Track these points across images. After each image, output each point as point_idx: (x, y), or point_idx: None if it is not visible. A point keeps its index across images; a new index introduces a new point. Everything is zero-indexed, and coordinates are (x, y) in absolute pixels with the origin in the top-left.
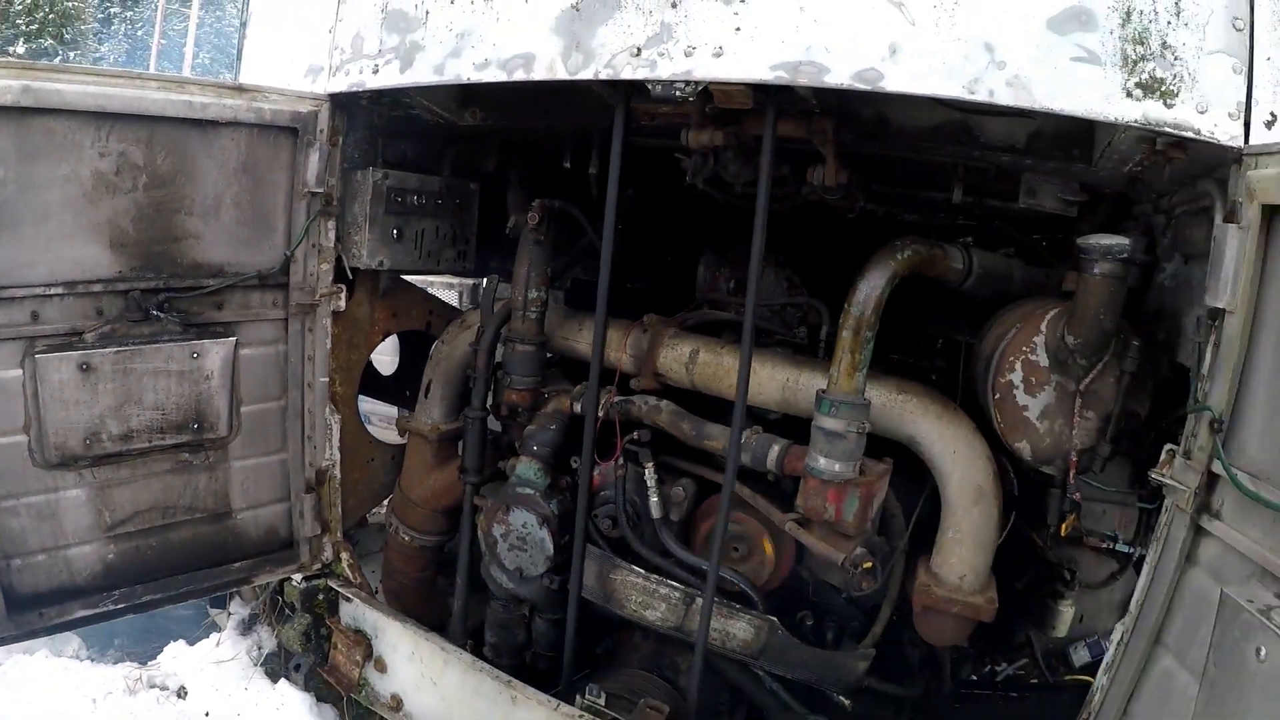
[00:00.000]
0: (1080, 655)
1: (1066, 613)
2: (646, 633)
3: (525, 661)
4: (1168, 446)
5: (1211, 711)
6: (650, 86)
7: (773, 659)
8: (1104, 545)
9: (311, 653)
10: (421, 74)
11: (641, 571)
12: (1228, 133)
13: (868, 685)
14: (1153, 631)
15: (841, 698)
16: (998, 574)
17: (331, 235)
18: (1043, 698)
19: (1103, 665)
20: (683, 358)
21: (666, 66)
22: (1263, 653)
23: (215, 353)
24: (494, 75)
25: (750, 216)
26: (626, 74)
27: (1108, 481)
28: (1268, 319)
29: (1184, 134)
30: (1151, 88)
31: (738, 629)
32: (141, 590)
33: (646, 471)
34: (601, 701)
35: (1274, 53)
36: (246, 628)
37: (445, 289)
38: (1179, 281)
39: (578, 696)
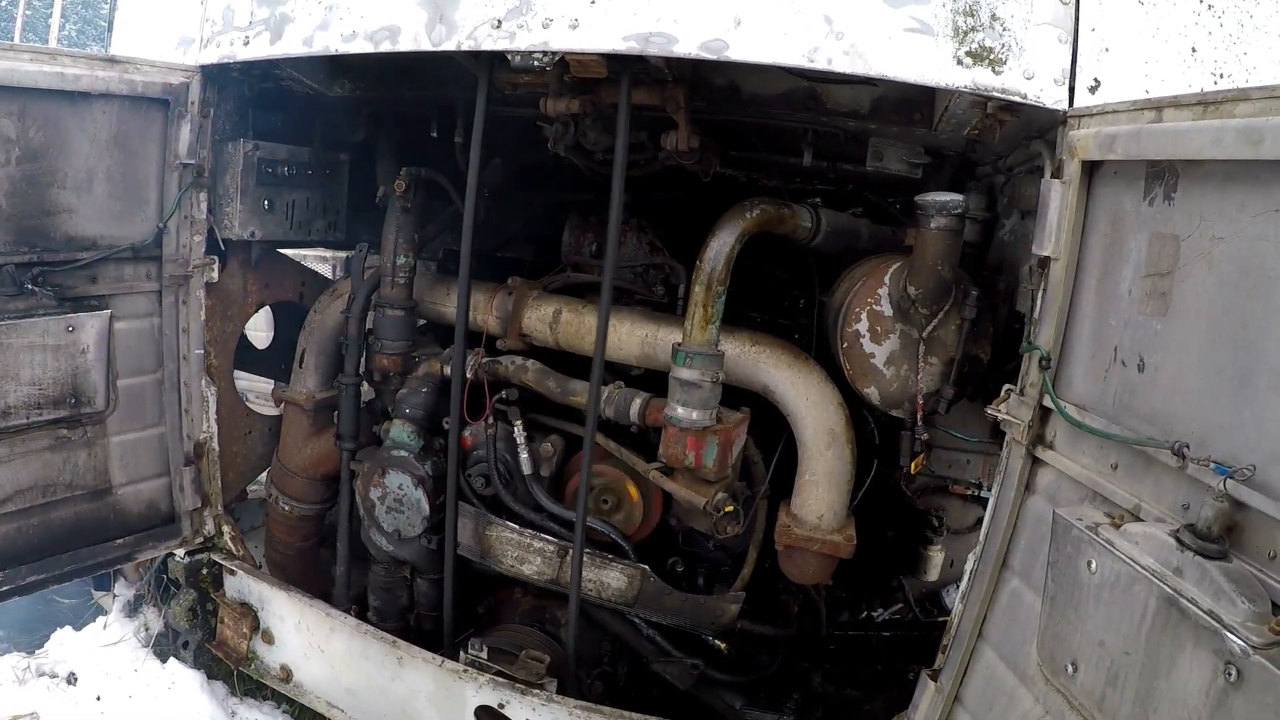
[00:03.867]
0: (953, 598)
1: (937, 558)
2: (526, 589)
3: (410, 624)
4: (1006, 386)
5: (1054, 622)
6: (510, 57)
7: (647, 606)
8: (969, 492)
9: (199, 629)
10: (291, 46)
11: (515, 527)
12: (1053, 97)
13: (741, 627)
14: (999, 557)
15: (717, 641)
16: (870, 525)
17: (203, 207)
18: (913, 636)
19: (958, 594)
20: (546, 318)
21: (525, 38)
22: (1093, 565)
23: (90, 326)
24: (361, 46)
25: (611, 183)
26: (488, 45)
27: (971, 433)
28: (1088, 265)
29: (1011, 98)
30: (981, 56)
31: (611, 578)
32: (26, 571)
33: (516, 429)
34: (484, 655)
35: (1098, 24)
36: (132, 609)
37: (319, 262)
38: (1017, 236)
39: (461, 653)
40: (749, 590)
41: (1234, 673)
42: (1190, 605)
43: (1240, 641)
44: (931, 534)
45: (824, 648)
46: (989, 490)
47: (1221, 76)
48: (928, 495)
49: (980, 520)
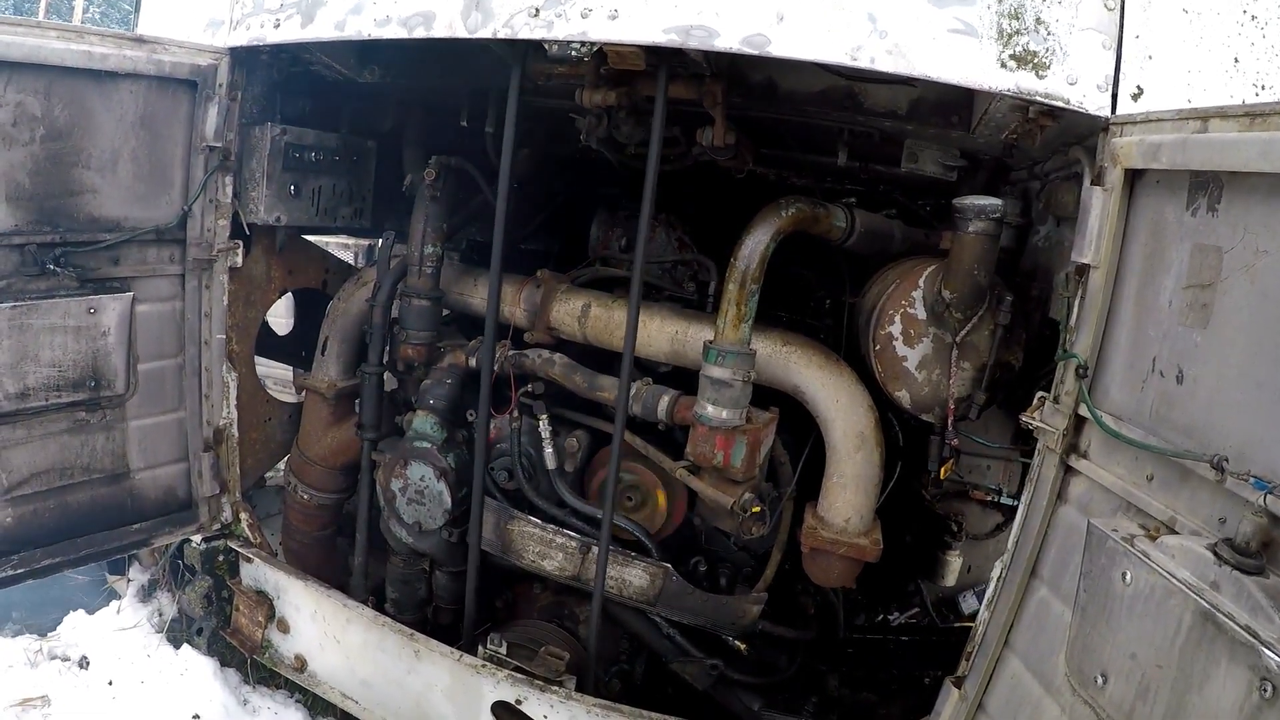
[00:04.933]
0: (969, 603)
1: (955, 563)
2: (546, 583)
3: (428, 616)
4: (1039, 393)
5: (1085, 634)
6: (547, 46)
7: (668, 605)
8: (989, 498)
9: (213, 616)
10: (323, 29)
11: (538, 522)
12: (1096, 103)
13: (762, 629)
14: (1028, 566)
15: (737, 641)
16: (888, 528)
17: (229, 191)
18: (932, 641)
19: (984, 601)
20: (575, 312)
21: (563, 27)
22: (1128, 577)
23: (112, 308)
24: (395, 32)
25: (643, 177)
26: (524, 34)
27: (992, 438)
28: (1128, 274)
29: (1054, 103)
30: (1024, 60)
31: (633, 576)
32: (41, 554)
33: (541, 423)
34: (503, 651)
35: (1142, 31)
36: (147, 594)
37: (341, 249)
38: (1052, 243)
39: (480, 647)
40: (770, 592)
41: (1269, 689)
42: (1226, 620)
43: (1277, 658)
44: (950, 539)
45: (841, 651)
46: (1009, 496)
47: (1263, 89)
48: (947, 500)
49: (999, 526)
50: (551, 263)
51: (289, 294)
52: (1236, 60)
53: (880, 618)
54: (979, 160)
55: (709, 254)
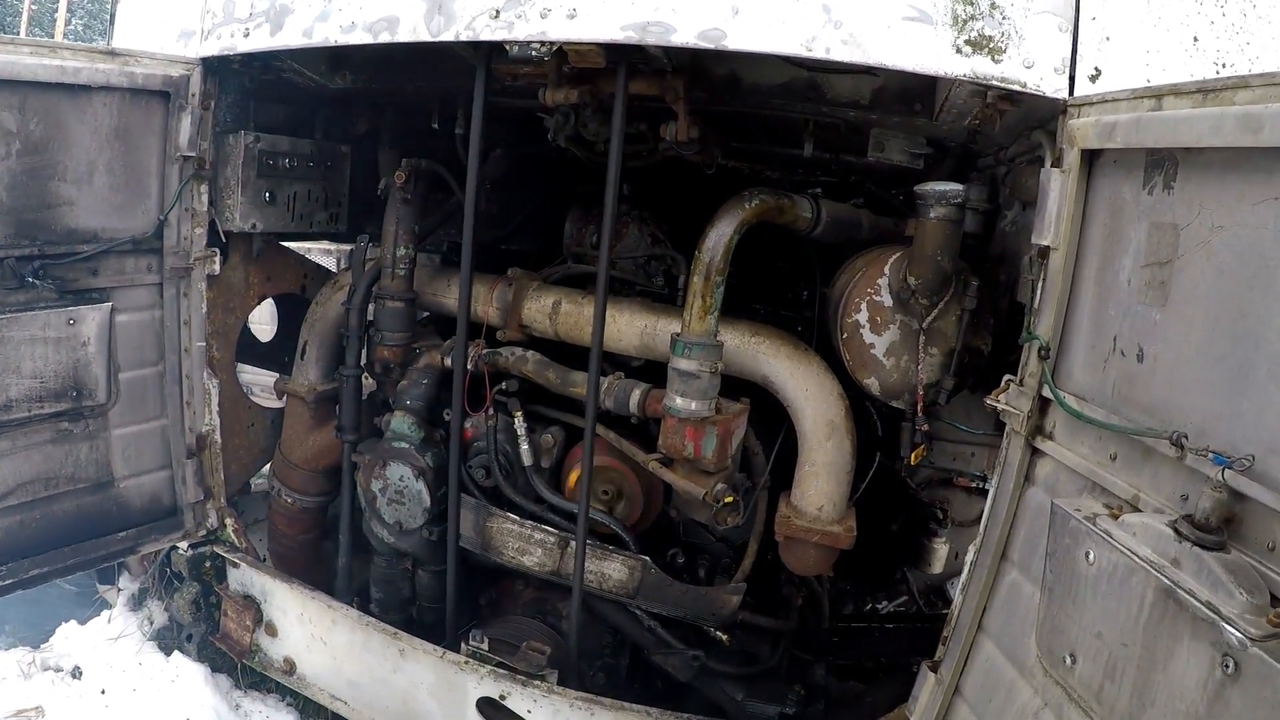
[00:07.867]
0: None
1: (941, 550)
2: (528, 580)
3: (413, 616)
4: (1006, 376)
5: (1053, 614)
6: (508, 47)
7: (648, 597)
8: (974, 485)
9: (202, 622)
10: (291, 37)
11: (516, 518)
12: (1053, 86)
13: (743, 619)
14: (998, 548)
15: (718, 632)
16: (875, 517)
17: (204, 199)
18: (917, 629)
19: (959, 585)
20: (546, 309)
21: (523, 28)
22: (1091, 556)
23: (91, 319)
24: (360, 38)
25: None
26: (485, 35)
27: (975, 425)
28: (1088, 254)
29: (1010, 88)
30: (980, 45)
31: (612, 569)
32: (29, 565)
33: (516, 420)
34: (485, 647)
35: (1099, 13)
36: (137, 603)
37: (324, 255)
38: (1019, 227)
39: (463, 644)
40: (752, 583)
41: (1231, 665)
42: (1188, 597)
43: (1238, 633)
44: (936, 526)
45: (828, 640)
46: None
47: (1224, 66)
48: (933, 487)
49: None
50: (531, 262)
51: (271, 300)
52: (1196, 39)
53: (869, 607)
54: (945, 147)
55: (686, 249)
